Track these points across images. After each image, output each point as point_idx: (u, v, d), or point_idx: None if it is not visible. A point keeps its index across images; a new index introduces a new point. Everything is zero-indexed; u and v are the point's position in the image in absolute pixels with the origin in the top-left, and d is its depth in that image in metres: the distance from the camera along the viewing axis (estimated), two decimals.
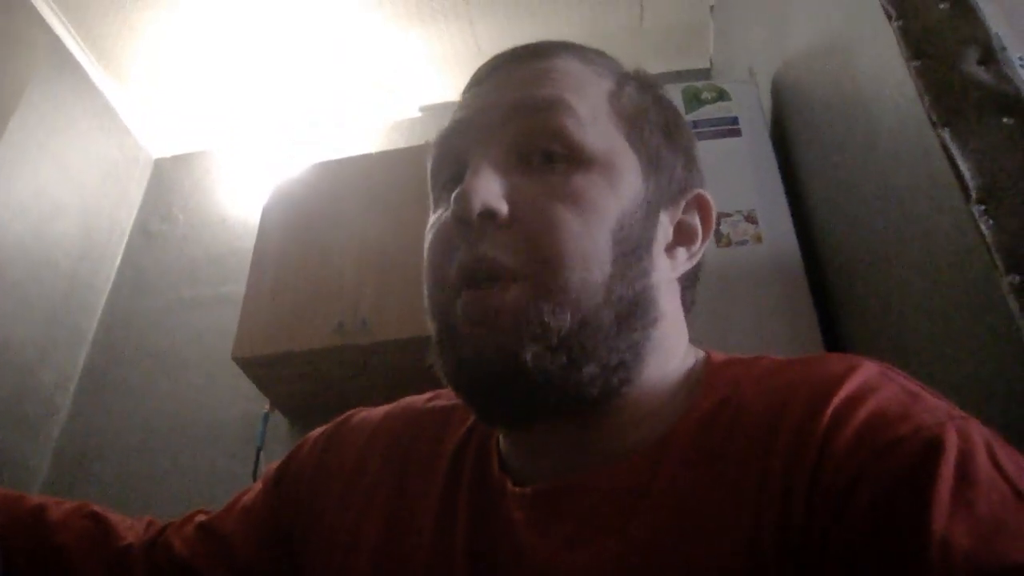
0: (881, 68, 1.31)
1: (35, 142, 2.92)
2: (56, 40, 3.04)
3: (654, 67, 3.18)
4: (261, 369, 2.43)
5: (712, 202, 0.62)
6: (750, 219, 1.86)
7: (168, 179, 3.56)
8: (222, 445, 2.67)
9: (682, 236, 0.61)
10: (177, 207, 3.44)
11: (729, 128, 2.05)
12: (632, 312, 0.54)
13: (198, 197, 3.45)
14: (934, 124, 1.07)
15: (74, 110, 3.15)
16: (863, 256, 1.54)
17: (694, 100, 2.10)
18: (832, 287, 1.76)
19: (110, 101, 3.34)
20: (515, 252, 0.52)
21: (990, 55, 1.07)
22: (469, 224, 0.52)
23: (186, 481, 2.61)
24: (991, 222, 0.96)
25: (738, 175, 1.94)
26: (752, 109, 2.09)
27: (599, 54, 0.64)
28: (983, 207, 0.97)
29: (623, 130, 0.58)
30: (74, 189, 3.10)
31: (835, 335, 1.72)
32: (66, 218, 3.04)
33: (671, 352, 0.58)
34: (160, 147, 3.62)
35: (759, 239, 1.83)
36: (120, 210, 3.37)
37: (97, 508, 0.75)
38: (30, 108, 2.88)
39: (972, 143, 1.01)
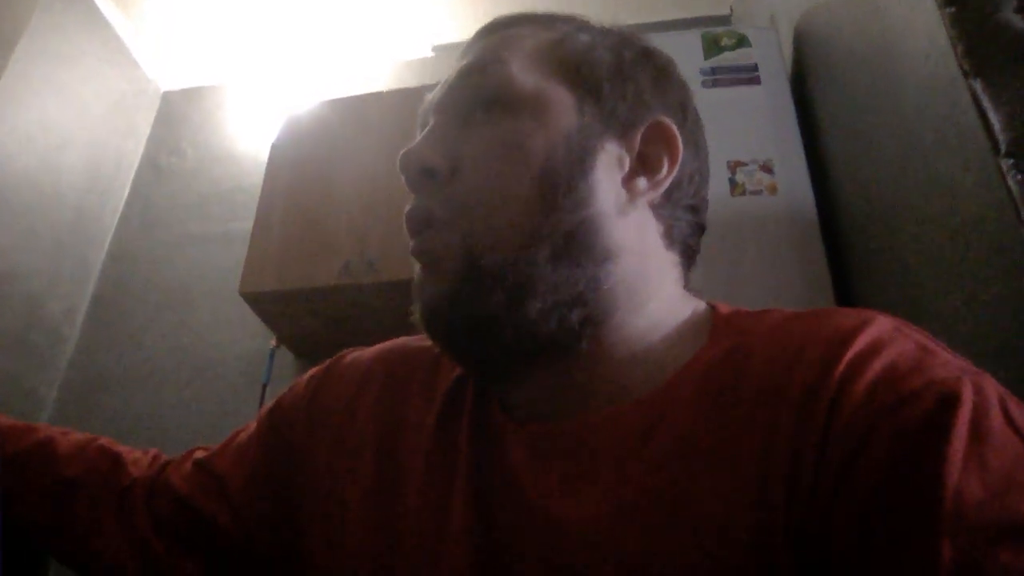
0: (911, 15, 1.27)
1: (40, 73, 2.87)
2: None
3: (674, 13, 3.13)
4: (268, 305, 2.43)
5: (675, 130, 0.61)
6: (766, 168, 1.84)
7: (177, 113, 3.52)
8: (228, 380, 2.69)
9: (644, 166, 0.60)
10: (186, 141, 3.41)
11: (748, 76, 2.01)
12: (571, 244, 0.55)
13: (207, 131, 3.42)
14: (965, 74, 1.03)
15: (81, 40, 3.10)
16: (881, 210, 1.52)
17: (713, 46, 2.06)
18: (847, 241, 1.74)
19: (118, 32, 3.28)
20: (450, 203, 0.56)
21: None
22: (413, 182, 0.59)
23: (192, 415, 2.64)
24: (1020, 177, 0.93)
25: (756, 123, 1.91)
26: (772, 57, 2.04)
27: (557, 16, 0.66)
28: (1012, 161, 0.94)
29: (559, 71, 0.60)
30: (81, 121, 3.07)
31: (848, 290, 1.70)
32: (73, 150, 3.01)
33: (649, 293, 0.58)
34: (169, 80, 3.57)
35: (774, 189, 1.81)
36: (128, 143, 3.34)
37: (105, 441, 0.75)
38: (35, 38, 2.83)
39: (1005, 95, 0.97)
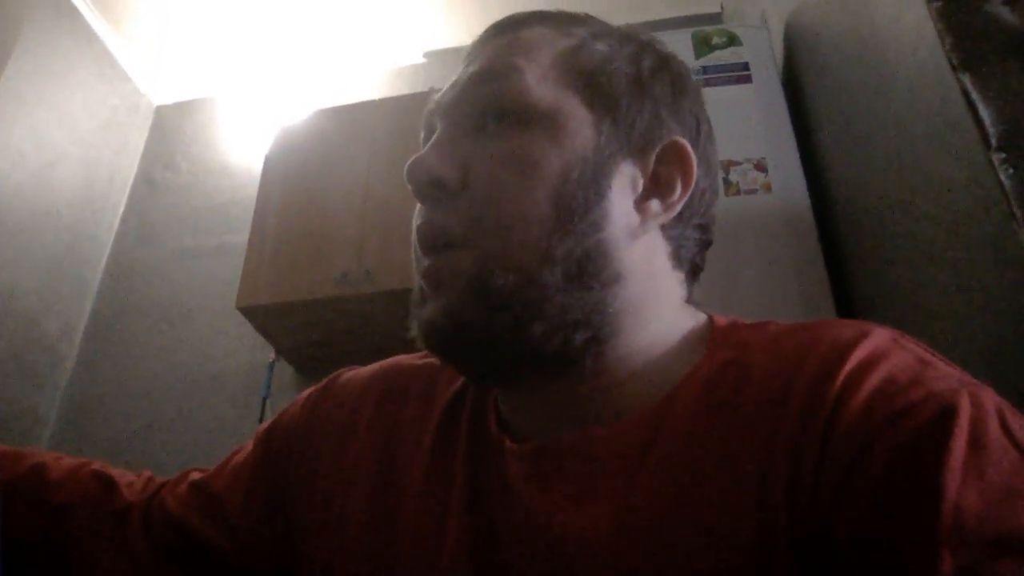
0: (899, 10, 1.27)
1: (32, 89, 2.88)
2: None
3: (665, 12, 3.13)
4: (265, 318, 2.43)
5: (690, 151, 0.59)
6: (759, 167, 1.83)
7: (170, 127, 3.52)
8: (227, 394, 2.69)
9: (657, 188, 0.58)
10: (180, 155, 3.41)
11: (740, 74, 2.01)
12: (583, 268, 0.53)
13: (200, 145, 3.42)
14: (954, 68, 1.03)
15: (72, 56, 3.10)
16: (875, 207, 1.51)
17: (704, 45, 2.06)
18: (842, 238, 1.74)
19: (109, 47, 3.28)
20: (462, 218, 0.54)
21: None
22: (422, 193, 0.56)
23: (192, 430, 2.63)
24: (1011, 171, 0.93)
25: (748, 122, 1.91)
26: (764, 54, 2.04)
27: (572, 17, 0.63)
28: (1004, 155, 0.94)
29: (576, 84, 0.58)
30: (74, 137, 3.07)
31: (844, 287, 1.70)
32: (66, 167, 3.01)
33: (652, 314, 0.57)
34: (161, 94, 3.57)
35: (768, 188, 1.81)
36: (121, 159, 3.34)
37: (97, 465, 0.74)
38: (26, 54, 2.83)
39: (994, 88, 0.97)
